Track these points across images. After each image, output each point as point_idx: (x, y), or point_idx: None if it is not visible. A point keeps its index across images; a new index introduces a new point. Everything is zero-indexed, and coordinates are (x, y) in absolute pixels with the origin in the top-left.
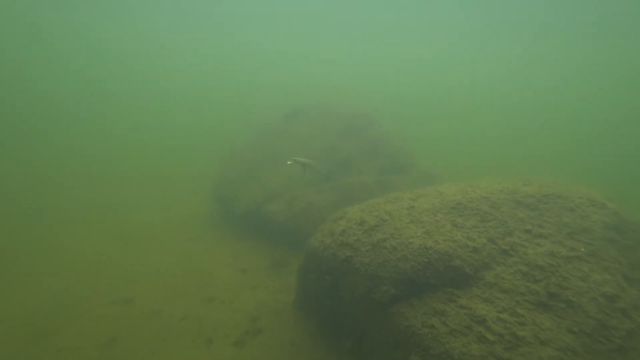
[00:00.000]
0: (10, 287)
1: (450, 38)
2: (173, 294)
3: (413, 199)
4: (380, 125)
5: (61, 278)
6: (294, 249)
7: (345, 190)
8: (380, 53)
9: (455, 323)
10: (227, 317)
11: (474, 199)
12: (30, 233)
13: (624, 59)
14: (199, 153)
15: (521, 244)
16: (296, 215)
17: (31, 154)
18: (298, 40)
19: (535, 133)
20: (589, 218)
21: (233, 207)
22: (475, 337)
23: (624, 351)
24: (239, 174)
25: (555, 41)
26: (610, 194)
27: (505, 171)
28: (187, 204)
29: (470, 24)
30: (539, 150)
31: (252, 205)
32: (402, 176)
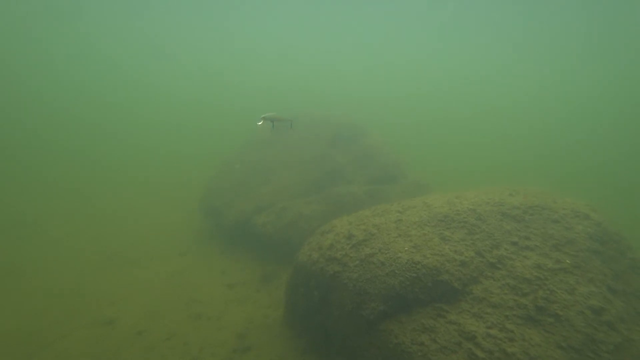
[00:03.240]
0: None
1: (442, 43)
2: (158, 312)
3: (400, 212)
4: (369, 135)
5: (41, 298)
6: (284, 262)
7: (334, 200)
8: (372, 61)
9: (444, 340)
10: (214, 334)
11: (460, 211)
12: (10, 248)
13: (615, 63)
14: (192, 159)
15: (508, 256)
16: (285, 226)
17: (14, 159)
18: (297, 48)
19: (525, 138)
20: (573, 229)
21: (222, 218)
22: (465, 355)
23: None
24: (228, 184)
25: (547, 47)
26: (594, 203)
27: (494, 175)
28: (177, 214)
29: (465, 28)
30: (528, 154)
31: (241, 217)
32: (391, 185)
